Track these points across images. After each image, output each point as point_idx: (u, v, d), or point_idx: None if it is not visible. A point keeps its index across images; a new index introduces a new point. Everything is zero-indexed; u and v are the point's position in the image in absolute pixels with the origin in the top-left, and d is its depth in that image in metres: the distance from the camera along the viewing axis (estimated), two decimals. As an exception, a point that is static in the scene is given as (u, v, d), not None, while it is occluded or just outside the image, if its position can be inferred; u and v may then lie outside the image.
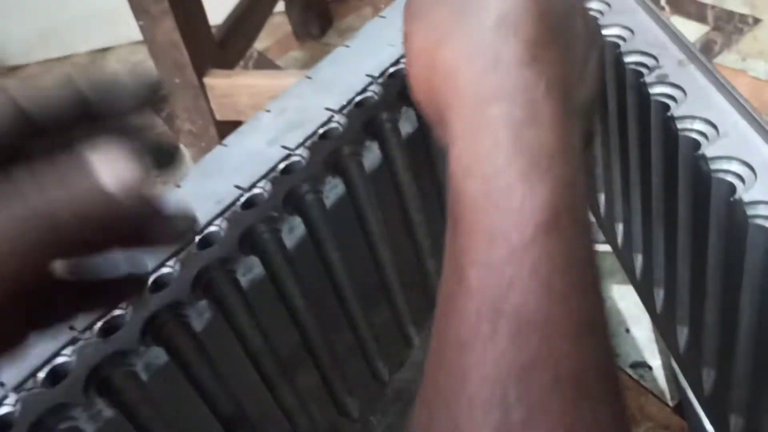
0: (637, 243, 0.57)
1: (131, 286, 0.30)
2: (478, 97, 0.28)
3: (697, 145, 0.40)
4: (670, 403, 0.63)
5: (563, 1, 0.32)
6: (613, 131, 0.53)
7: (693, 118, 0.41)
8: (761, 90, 0.88)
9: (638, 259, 0.58)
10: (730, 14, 1.01)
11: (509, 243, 0.25)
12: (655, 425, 0.62)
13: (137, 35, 0.93)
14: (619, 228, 0.60)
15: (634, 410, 0.64)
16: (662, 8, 1.06)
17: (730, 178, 0.38)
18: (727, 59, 0.94)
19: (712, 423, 0.50)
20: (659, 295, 0.55)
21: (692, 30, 1.01)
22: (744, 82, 0.90)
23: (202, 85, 0.91)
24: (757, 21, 0.98)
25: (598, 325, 0.26)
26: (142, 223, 0.24)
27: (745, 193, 0.36)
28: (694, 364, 0.51)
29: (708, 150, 0.39)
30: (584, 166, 0.29)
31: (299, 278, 0.46)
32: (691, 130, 0.41)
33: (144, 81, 0.26)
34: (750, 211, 0.36)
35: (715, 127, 0.40)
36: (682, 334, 0.52)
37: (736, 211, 0.37)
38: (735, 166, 0.38)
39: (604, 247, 0.70)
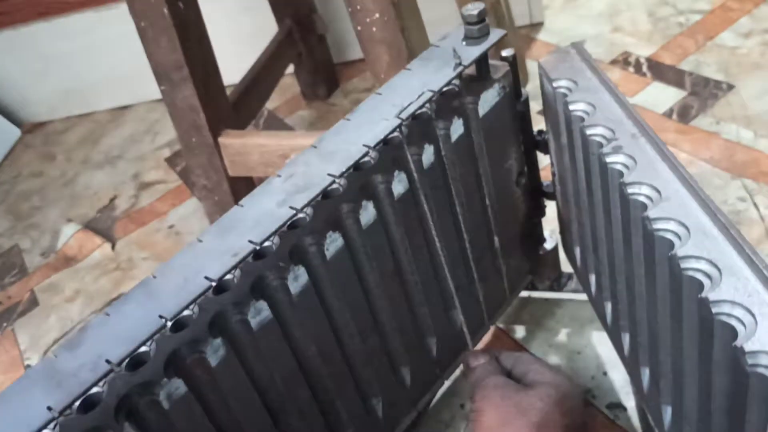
0: (606, 292, 0.63)
1: None
2: None
3: (644, 207, 0.47)
4: (644, 441, 0.68)
5: (578, 414, 0.54)
6: (583, 191, 0.60)
7: (641, 183, 0.48)
8: (733, 151, 0.95)
9: (608, 307, 0.64)
10: (706, 80, 1.08)
11: None
12: (629, 462, 0.68)
13: (155, 94, 1.01)
14: (592, 278, 0.67)
15: (609, 447, 0.69)
16: (644, 74, 1.14)
17: (669, 236, 0.44)
18: (702, 122, 1.01)
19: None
20: (626, 339, 0.61)
21: (671, 95, 1.08)
22: (717, 143, 0.97)
23: (217, 145, 0.99)
24: (730, 87, 1.05)
25: None
26: None
27: (680, 249, 0.43)
28: (654, 401, 0.56)
29: (651, 212, 0.46)
30: None
31: (302, 321, 0.52)
32: (639, 194, 0.47)
33: None
34: (683, 264, 0.42)
35: (659, 192, 0.47)
36: (645, 374, 0.58)
37: (673, 264, 0.43)
38: (673, 226, 0.44)
39: (581, 296, 0.76)
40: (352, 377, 0.59)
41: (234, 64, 1.12)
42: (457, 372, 0.78)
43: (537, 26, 1.34)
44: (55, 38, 1.43)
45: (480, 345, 0.82)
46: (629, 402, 0.71)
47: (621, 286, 0.57)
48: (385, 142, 0.54)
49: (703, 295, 0.40)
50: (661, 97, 1.08)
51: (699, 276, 0.41)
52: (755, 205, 0.87)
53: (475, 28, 0.59)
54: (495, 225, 0.68)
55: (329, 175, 0.51)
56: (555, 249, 0.77)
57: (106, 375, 0.42)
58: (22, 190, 1.35)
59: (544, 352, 0.79)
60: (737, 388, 0.39)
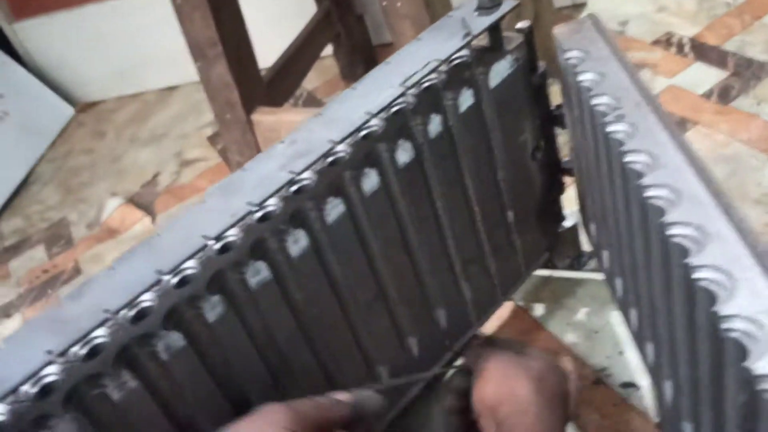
0: (616, 267, 0.63)
1: None
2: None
3: (640, 174, 0.46)
4: (654, 420, 0.67)
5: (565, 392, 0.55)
6: (592, 163, 0.59)
7: (639, 151, 0.47)
8: (772, 132, 0.92)
9: (618, 282, 0.63)
10: (750, 61, 1.05)
11: None
12: (638, 439, 0.67)
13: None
14: (605, 255, 0.66)
15: (620, 424, 0.69)
16: (686, 55, 1.11)
17: (660, 203, 0.44)
18: (743, 103, 0.98)
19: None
20: (633, 314, 0.60)
21: (712, 75, 1.05)
22: (757, 124, 0.94)
23: (250, 121, 1.01)
24: (775, 68, 1.02)
25: None
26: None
27: (669, 216, 0.42)
28: (658, 376, 0.56)
29: (646, 179, 0.45)
30: None
31: (301, 284, 0.53)
32: (637, 162, 0.47)
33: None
34: (669, 231, 0.42)
35: (656, 159, 0.46)
36: (650, 349, 0.57)
37: (662, 231, 0.42)
38: (665, 193, 0.44)
39: (602, 276, 0.75)
40: (357, 343, 0.60)
41: (273, 44, 1.14)
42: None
43: (579, 6, 1.32)
44: (108, 19, 1.48)
45: (498, 322, 0.82)
46: (643, 381, 0.70)
47: (627, 260, 0.56)
48: (389, 110, 0.55)
49: (687, 260, 0.40)
50: (702, 77, 1.05)
51: (685, 242, 0.41)
52: (791, 187, 0.84)
53: (486, -2, 0.59)
54: (508, 199, 0.68)
55: (329, 141, 0.52)
56: (575, 227, 0.76)
57: (103, 323, 0.44)
58: (73, 166, 1.41)
59: (562, 331, 0.79)
60: (716, 353, 0.39)
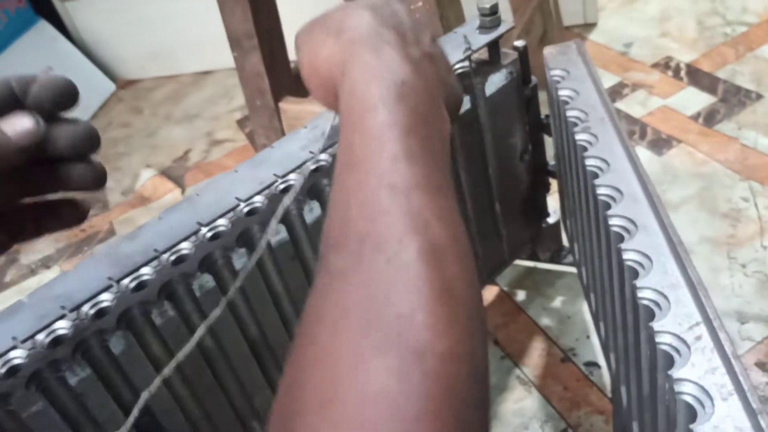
0: (581, 257, 0.73)
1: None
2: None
3: (595, 175, 0.56)
4: (609, 396, 0.77)
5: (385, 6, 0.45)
6: (566, 165, 0.69)
7: (597, 157, 0.57)
8: (747, 155, 1.01)
9: (583, 271, 0.73)
10: (738, 89, 1.14)
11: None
12: (593, 410, 0.77)
13: (234, 62, 1.15)
14: (575, 246, 0.76)
15: (579, 396, 0.79)
16: (681, 78, 1.21)
17: (607, 199, 0.54)
18: (725, 127, 1.07)
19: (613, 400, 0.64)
20: (592, 297, 0.70)
21: (702, 99, 1.14)
22: (735, 147, 1.03)
23: (277, 109, 1.12)
24: (759, 97, 1.11)
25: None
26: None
27: (613, 210, 0.52)
28: (607, 350, 0.66)
29: (598, 180, 0.55)
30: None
31: (314, 246, 0.64)
32: (594, 166, 0.57)
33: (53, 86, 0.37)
34: (611, 222, 0.52)
35: (608, 164, 0.56)
36: (601, 328, 0.67)
37: (607, 223, 0.53)
38: (611, 192, 0.54)
39: (575, 269, 0.85)
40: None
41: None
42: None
43: (590, 26, 1.42)
44: (151, 4, 1.60)
45: (484, 304, 0.92)
46: (603, 362, 0.80)
47: (588, 250, 0.67)
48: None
49: (620, 245, 0.50)
50: (692, 100, 1.15)
51: (620, 231, 0.51)
52: (756, 205, 0.93)
53: (488, 19, 0.69)
54: (497, 193, 0.78)
55: (346, 129, 0.63)
56: (557, 224, 0.87)
57: (152, 260, 0.55)
58: (111, 138, 1.52)
59: (539, 315, 0.89)
60: (635, 320, 0.49)
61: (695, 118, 1.11)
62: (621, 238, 0.51)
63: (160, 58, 1.69)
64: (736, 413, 0.38)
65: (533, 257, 0.90)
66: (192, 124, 1.51)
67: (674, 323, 0.43)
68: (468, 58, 0.68)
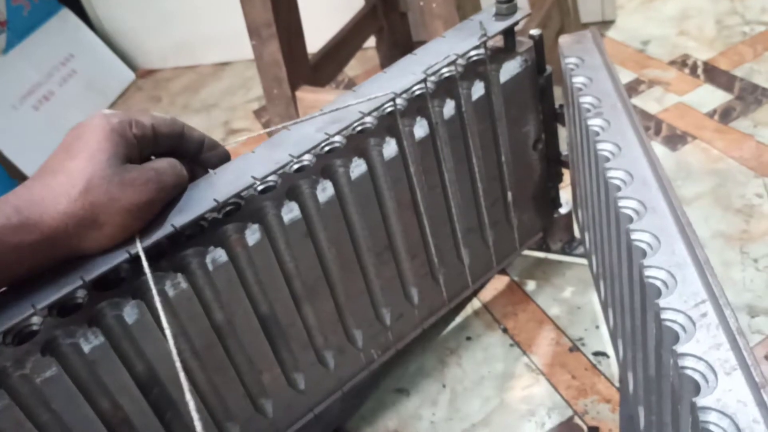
0: (592, 246, 0.73)
1: None
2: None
3: (607, 159, 0.57)
4: (616, 385, 0.78)
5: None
6: (578, 153, 0.70)
7: (608, 141, 0.58)
8: (762, 152, 1.01)
9: (593, 259, 0.74)
10: (755, 87, 1.14)
11: None
12: (600, 398, 0.77)
13: (252, 54, 1.16)
14: (586, 235, 0.76)
15: (587, 385, 0.79)
16: (698, 76, 1.20)
17: (617, 182, 0.54)
18: (740, 125, 1.07)
19: (619, 388, 0.65)
20: (601, 285, 0.71)
21: (718, 97, 1.14)
22: (750, 144, 1.03)
23: (294, 97, 1.13)
24: (776, 95, 1.11)
25: None
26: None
27: (622, 192, 0.53)
28: (615, 336, 0.66)
29: (609, 164, 0.56)
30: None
31: (326, 226, 0.65)
32: (605, 150, 0.58)
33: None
34: (620, 203, 0.52)
35: (620, 148, 0.57)
36: (610, 315, 0.67)
37: (617, 205, 0.53)
38: (622, 175, 0.54)
39: (586, 260, 0.86)
40: (366, 285, 0.71)
41: (322, 32, 1.26)
42: (468, 309, 0.89)
43: (608, 24, 1.42)
44: (172, -5, 1.62)
45: (494, 293, 0.93)
46: (612, 352, 0.80)
47: (598, 236, 0.67)
48: (411, 92, 0.66)
49: (629, 226, 0.50)
50: (708, 98, 1.15)
51: (630, 212, 0.51)
52: (770, 201, 0.93)
53: (504, 6, 0.69)
54: (510, 181, 0.78)
55: (359, 112, 0.64)
56: (569, 214, 0.87)
57: (169, 235, 0.56)
58: (130, 126, 1.54)
59: (548, 305, 0.89)
60: (642, 300, 0.49)
61: (711, 115, 1.11)
62: (630, 220, 0.51)
63: (179, 48, 1.71)
64: (739, 387, 0.38)
65: (544, 248, 0.91)
66: (209, 113, 1.52)
67: (680, 301, 0.44)
68: (483, 44, 0.68)
